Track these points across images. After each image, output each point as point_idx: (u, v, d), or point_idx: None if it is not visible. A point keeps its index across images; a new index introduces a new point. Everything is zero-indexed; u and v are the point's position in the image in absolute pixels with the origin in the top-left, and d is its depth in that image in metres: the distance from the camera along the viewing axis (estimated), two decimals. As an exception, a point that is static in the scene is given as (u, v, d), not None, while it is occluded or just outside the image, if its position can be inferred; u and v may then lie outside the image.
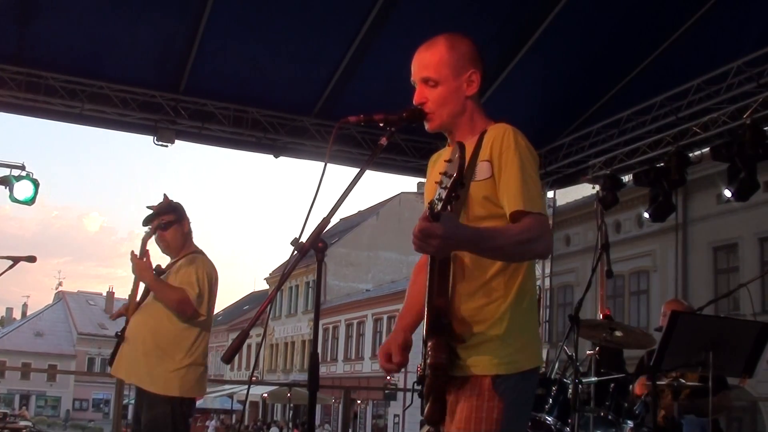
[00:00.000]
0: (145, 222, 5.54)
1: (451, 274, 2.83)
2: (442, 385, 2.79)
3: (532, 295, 2.96)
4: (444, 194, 2.53)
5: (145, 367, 5.25)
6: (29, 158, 15.92)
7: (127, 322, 5.47)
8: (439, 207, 2.52)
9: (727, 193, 8.61)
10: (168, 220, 5.51)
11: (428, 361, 2.76)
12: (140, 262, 5.35)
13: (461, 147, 2.57)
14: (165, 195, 5.65)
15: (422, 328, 2.86)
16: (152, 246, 5.55)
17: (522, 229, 2.72)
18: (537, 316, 3.06)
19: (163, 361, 5.23)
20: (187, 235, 5.61)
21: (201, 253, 5.59)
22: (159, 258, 5.62)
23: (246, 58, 8.65)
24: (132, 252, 5.33)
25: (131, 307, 5.47)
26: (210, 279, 5.42)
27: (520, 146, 2.84)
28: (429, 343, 2.77)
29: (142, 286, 5.50)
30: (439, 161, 3.00)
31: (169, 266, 5.55)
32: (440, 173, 2.60)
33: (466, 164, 2.60)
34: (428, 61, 2.97)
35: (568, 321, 5.65)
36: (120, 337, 5.43)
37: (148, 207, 5.59)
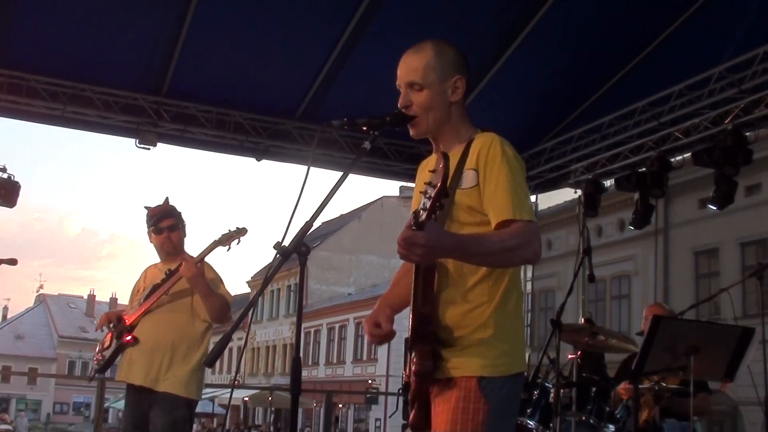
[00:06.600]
0: (150, 222, 5.45)
1: (435, 281, 2.82)
2: (427, 391, 2.79)
3: (518, 301, 2.94)
4: (428, 204, 2.54)
5: (170, 370, 5.16)
6: (10, 160, 15.79)
7: (124, 325, 5.30)
8: (424, 216, 2.53)
9: (712, 207, 8.73)
10: (175, 223, 5.46)
11: (413, 368, 2.76)
12: (197, 267, 5.17)
13: (446, 157, 2.58)
14: (167, 198, 5.57)
15: (407, 334, 2.84)
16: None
17: (510, 235, 2.71)
18: (522, 321, 3.05)
19: (187, 363, 5.19)
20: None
21: None
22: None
23: (229, 61, 8.62)
24: (190, 257, 5.24)
25: (136, 311, 5.33)
26: None
27: (507, 155, 2.84)
28: (414, 351, 2.77)
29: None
30: (426, 169, 2.99)
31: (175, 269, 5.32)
32: (425, 183, 2.61)
33: (451, 174, 2.60)
34: (415, 65, 2.96)
35: (549, 325, 5.65)
36: (123, 343, 5.26)
37: (146, 207, 5.52)
